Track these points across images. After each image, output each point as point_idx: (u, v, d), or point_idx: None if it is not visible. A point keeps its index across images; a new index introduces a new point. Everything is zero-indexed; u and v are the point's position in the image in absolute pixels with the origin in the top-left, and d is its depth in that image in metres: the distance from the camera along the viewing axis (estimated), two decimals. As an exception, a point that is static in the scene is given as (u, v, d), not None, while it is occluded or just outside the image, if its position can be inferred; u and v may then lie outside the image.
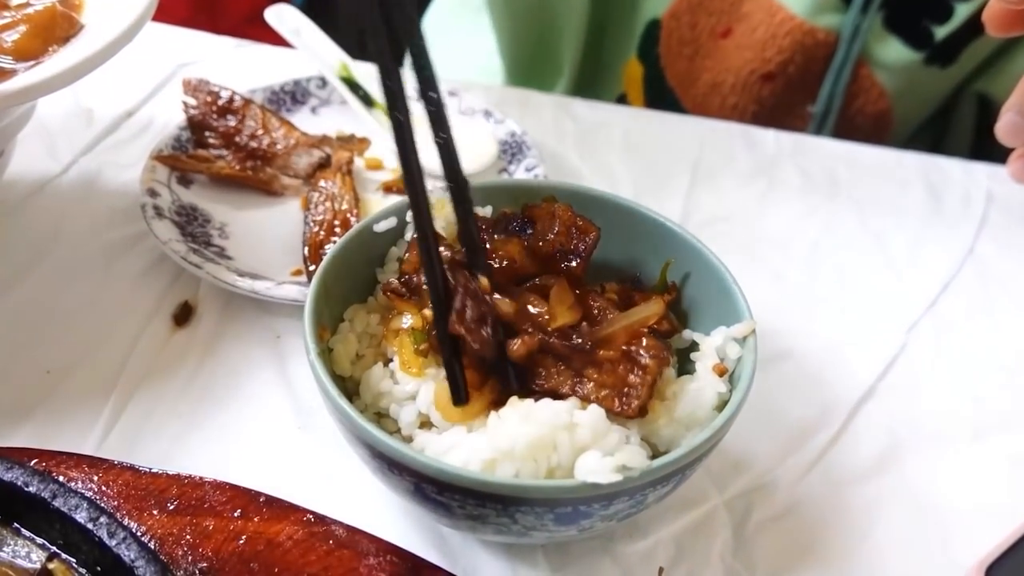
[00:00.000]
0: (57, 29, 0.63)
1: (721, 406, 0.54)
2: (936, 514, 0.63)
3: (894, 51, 1.00)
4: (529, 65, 1.15)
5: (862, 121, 1.07)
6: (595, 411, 0.50)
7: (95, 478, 0.53)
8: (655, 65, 1.09)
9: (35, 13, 0.64)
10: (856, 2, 0.97)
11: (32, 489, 0.49)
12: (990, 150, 1.03)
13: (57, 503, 0.49)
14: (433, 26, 1.32)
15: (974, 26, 0.96)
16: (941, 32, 0.98)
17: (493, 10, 1.13)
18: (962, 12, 0.96)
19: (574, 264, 0.58)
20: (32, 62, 0.62)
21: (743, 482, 0.64)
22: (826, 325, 0.77)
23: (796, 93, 1.05)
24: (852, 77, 1.02)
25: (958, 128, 1.10)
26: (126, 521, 0.51)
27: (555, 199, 0.61)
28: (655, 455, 0.52)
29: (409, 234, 0.61)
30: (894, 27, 0.99)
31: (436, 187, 0.61)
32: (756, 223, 0.88)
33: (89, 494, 0.51)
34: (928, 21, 0.97)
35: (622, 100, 1.15)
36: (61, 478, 0.52)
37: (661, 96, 1.11)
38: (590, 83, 1.14)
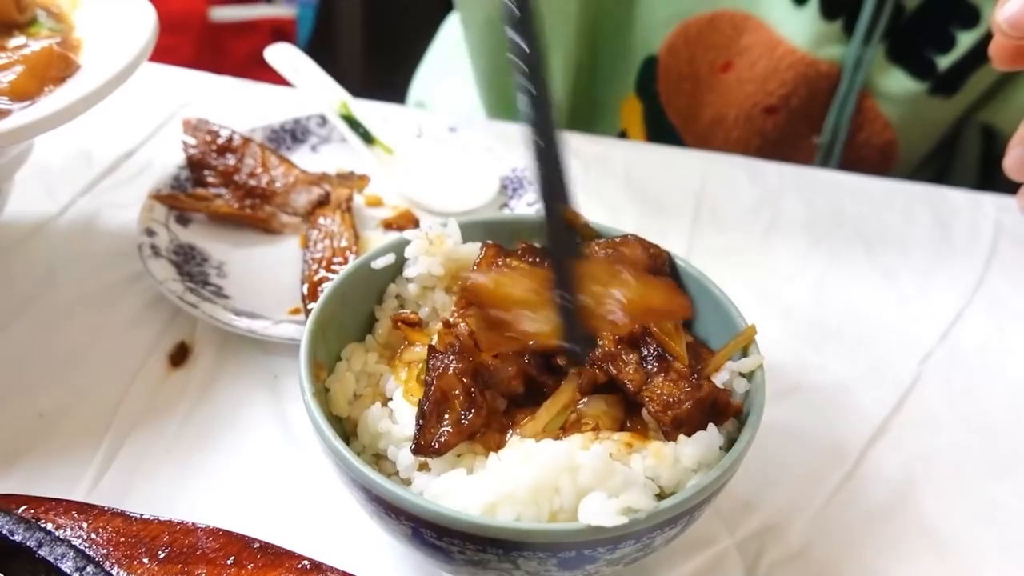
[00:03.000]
0: (53, 69, 0.63)
1: (729, 444, 0.52)
2: (957, 556, 0.61)
3: (897, 82, 1.00)
4: (507, 102, 1.14)
5: (868, 152, 1.06)
6: (598, 451, 0.48)
7: (84, 525, 0.51)
8: (655, 101, 1.09)
9: (32, 54, 0.64)
10: (858, 34, 0.96)
11: (17, 538, 0.48)
12: (996, 181, 1.02)
13: (43, 552, 0.48)
14: (434, 65, 1.32)
15: (977, 55, 0.96)
16: (944, 62, 0.97)
17: (470, 51, 1.12)
18: (965, 41, 0.95)
19: None
20: (28, 102, 0.61)
21: (754, 523, 0.62)
22: (835, 359, 0.75)
23: (800, 125, 1.05)
24: (856, 109, 1.02)
25: (963, 158, 1.09)
26: (115, 570, 0.49)
27: (592, 230, 0.62)
28: (662, 496, 0.50)
29: (408, 270, 0.60)
30: (897, 58, 0.99)
31: (432, 225, 0.60)
32: (761, 257, 0.87)
33: (77, 542, 0.49)
34: (930, 51, 0.97)
35: (622, 137, 1.15)
36: (49, 526, 0.50)
37: (662, 132, 1.11)
38: (585, 121, 1.13)
